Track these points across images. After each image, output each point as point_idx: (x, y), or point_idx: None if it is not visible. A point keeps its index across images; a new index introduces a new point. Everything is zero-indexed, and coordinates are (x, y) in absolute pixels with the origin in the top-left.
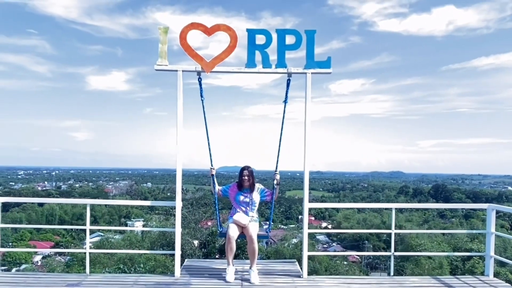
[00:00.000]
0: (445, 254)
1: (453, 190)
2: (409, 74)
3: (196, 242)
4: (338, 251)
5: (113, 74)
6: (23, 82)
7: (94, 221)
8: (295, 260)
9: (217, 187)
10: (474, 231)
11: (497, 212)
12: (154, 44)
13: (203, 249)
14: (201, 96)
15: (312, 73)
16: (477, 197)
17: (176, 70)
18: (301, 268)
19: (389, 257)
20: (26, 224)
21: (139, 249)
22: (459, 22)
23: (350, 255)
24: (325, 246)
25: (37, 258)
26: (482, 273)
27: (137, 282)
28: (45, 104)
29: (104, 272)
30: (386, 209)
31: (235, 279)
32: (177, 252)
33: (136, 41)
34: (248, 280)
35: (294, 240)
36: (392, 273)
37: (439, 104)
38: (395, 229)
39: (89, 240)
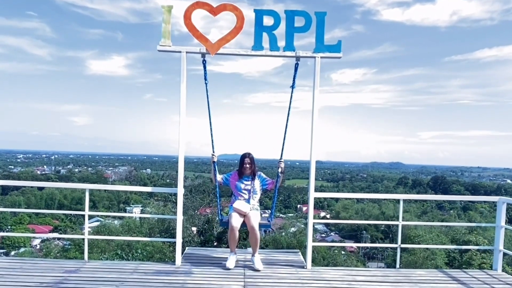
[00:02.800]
0: (452, 247)
1: (452, 182)
2: (411, 65)
3: (194, 229)
4: (336, 241)
5: (113, 59)
6: (23, 65)
7: (93, 206)
8: (298, 250)
9: (218, 176)
10: (483, 224)
11: (495, 204)
12: (154, 29)
13: (201, 236)
14: (205, 79)
15: (321, 57)
16: (476, 190)
17: (180, 51)
18: (304, 259)
19: (387, 247)
20: (25, 208)
21: (138, 235)
22: (463, 13)
23: (348, 244)
24: (323, 235)
25: (36, 242)
26: (490, 267)
27: (136, 270)
28: (44, 88)
29: (101, 258)
30: (393, 200)
31: (238, 267)
32: (178, 240)
33: (136, 25)
34: (251, 268)
35: (293, 229)
36: (398, 265)
37: (441, 95)
38: (401, 220)
39: (87, 226)
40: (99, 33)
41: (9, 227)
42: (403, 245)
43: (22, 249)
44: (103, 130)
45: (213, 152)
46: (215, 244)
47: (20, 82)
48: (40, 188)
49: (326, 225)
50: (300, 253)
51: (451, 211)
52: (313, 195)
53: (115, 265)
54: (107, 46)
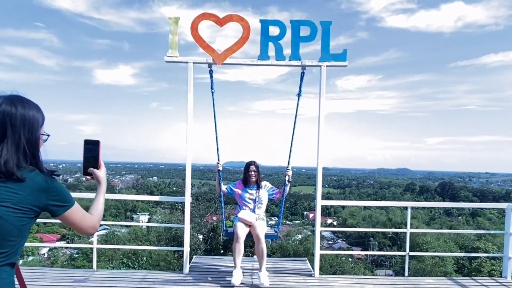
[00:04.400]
0: (461, 254)
1: (460, 188)
2: (416, 71)
3: (200, 237)
4: (344, 248)
5: (120, 68)
6: (31, 75)
7: None
8: (306, 258)
9: (223, 185)
10: (492, 232)
11: (504, 210)
12: (160, 38)
13: (207, 244)
14: (212, 88)
15: (327, 66)
16: (485, 196)
17: (187, 62)
18: (312, 267)
19: (395, 255)
20: None
21: (145, 243)
22: (468, 19)
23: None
24: (330, 242)
25: (44, 251)
26: (500, 274)
27: (145, 279)
28: (52, 97)
29: (108, 267)
30: (400, 206)
31: (245, 280)
32: (186, 249)
33: (143, 35)
34: (258, 283)
35: (299, 236)
36: (406, 273)
37: (447, 101)
38: (410, 228)
39: (96, 235)
40: (106, 43)
41: None
42: (412, 253)
43: (30, 258)
44: (110, 138)
45: (218, 160)
46: (221, 252)
47: (28, 92)
48: None
49: (333, 232)
50: (307, 261)
51: (459, 217)
52: (320, 203)
53: (124, 274)
54: (113, 56)
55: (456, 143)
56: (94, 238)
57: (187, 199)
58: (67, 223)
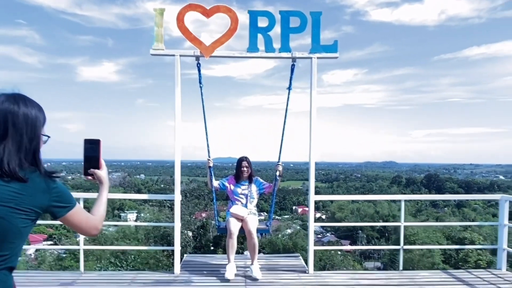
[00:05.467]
0: (455, 247)
1: (446, 180)
2: (401, 64)
3: (190, 234)
4: (333, 241)
5: (104, 65)
6: (13, 73)
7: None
8: (299, 254)
9: (215, 181)
10: (486, 223)
11: (489, 201)
12: (145, 34)
13: (197, 240)
14: (200, 82)
15: (318, 57)
16: (470, 187)
17: (174, 55)
18: (306, 263)
19: (389, 249)
20: None
21: (133, 242)
22: (450, 12)
23: (344, 245)
24: (319, 236)
25: (31, 251)
26: (487, 264)
27: (134, 280)
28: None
29: (96, 268)
30: (389, 200)
31: (238, 276)
32: (177, 248)
33: (126, 31)
34: (251, 276)
35: (288, 231)
36: (401, 267)
37: (432, 94)
38: (403, 221)
39: (83, 237)
40: (89, 39)
41: None
42: (406, 247)
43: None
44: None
45: (209, 157)
46: (211, 248)
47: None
48: None
49: (322, 226)
50: (300, 257)
51: (445, 208)
52: (313, 198)
53: (112, 276)
54: (97, 52)
55: (441, 135)
56: (81, 239)
57: (177, 197)
58: (69, 225)
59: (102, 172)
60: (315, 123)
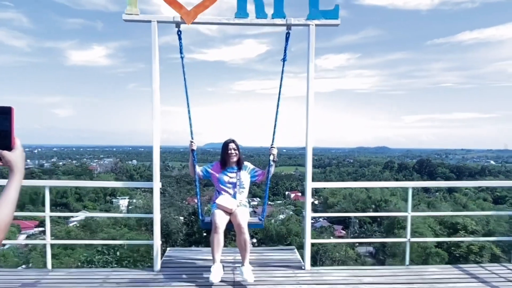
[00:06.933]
0: (468, 239)
1: (438, 165)
2: (395, 49)
3: (182, 219)
4: (325, 227)
5: (94, 49)
6: (1, 57)
7: (79, 199)
8: (294, 247)
9: (197, 168)
10: (501, 213)
11: (479, 186)
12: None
13: (188, 226)
14: (181, 52)
15: (316, 25)
16: (461, 172)
17: (150, 21)
18: (302, 258)
19: (375, 231)
20: None
21: (123, 229)
22: None
23: (336, 230)
24: (312, 221)
25: (22, 237)
26: (479, 249)
27: (107, 280)
28: (25, 80)
29: (82, 256)
30: (402, 188)
31: (225, 276)
32: (157, 242)
33: (116, 14)
34: (240, 281)
35: (281, 216)
36: (407, 262)
37: (424, 79)
38: (410, 211)
39: (49, 230)
40: (78, 22)
41: None
42: (413, 239)
43: (7, 246)
44: (87, 121)
45: (192, 138)
46: (204, 235)
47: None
48: None
49: (314, 210)
50: (296, 250)
51: (437, 193)
52: (310, 185)
53: (82, 274)
54: (87, 36)
55: (433, 120)
56: (47, 233)
57: (156, 185)
58: None
59: (13, 155)
60: (312, 104)
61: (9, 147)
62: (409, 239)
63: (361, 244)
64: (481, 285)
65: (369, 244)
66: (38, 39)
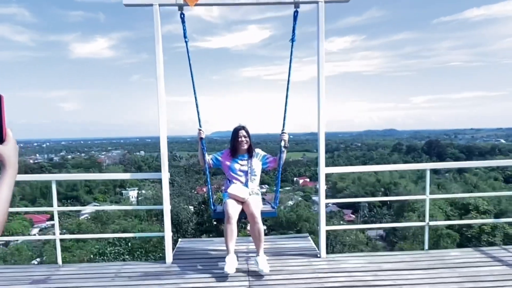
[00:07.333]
0: (488, 221)
1: (447, 146)
2: (400, 29)
3: (192, 208)
4: (334, 211)
5: (97, 41)
6: (6, 53)
7: (89, 191)
8: (307, 234)
9: (207, 156)
10: None
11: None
12: (137, 8)
13: (198, 216)
14: (185, 37)
15: (325, 1)
16: (471, 152)
17: (151, 5)
18: (317, 246)
19: (385, 214)
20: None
21: (134, 220)
22: None
23: (346, 214)
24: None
25: (35, 231)
26: (491, 228)
27: (119, 274)
28: (30, 75)
29: (94, 249)
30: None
31: (240, 266)
32: (168, 234)
33: (118, 5)
34: (255, 267)
35: (290, 202)
36: (426, 247)
37: (432, 58)
38: (428, 194)
39: (57, 225)
40: (80, 15)
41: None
42: (432, 223)
43: (20, 240)
44: (93, 114)
45: (200, 126)
46: (214, 224)
47: (6, 70)
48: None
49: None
50: (310, 238)
51: (447, 174)
52: (323, 170)
53: (94, 269)
54: (89, 28)
55: (441, 100)
56: (56, 228)
57: (165, 176)
58: None
59: (5, 148)
60: (323, 87)
61: (0, 138)
62: (427, 223)
63: (370, 228)
64: (505, 268)
65: (378, 228)
66: (42, 33)
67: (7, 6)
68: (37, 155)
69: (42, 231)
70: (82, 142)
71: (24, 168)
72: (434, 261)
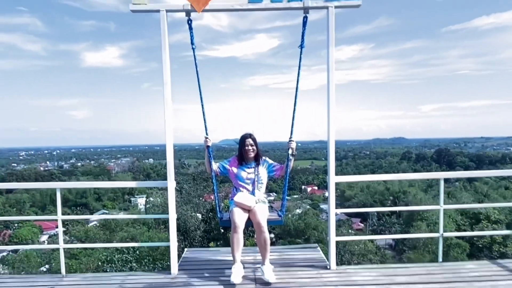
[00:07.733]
0: (503, 232)
1: (457, 154)
2: (408, 38)
3: (199, 216)
4: (343, 220)
5: (107, 50)
6: (18, 61)
7: (98, 199)
8: (317, 245)
9: (214, 164)
10: None
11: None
12: (147, 17)
13: (206, 224)
14: (192, 43)
15: (336, 6)
16: (481, 160)
17: (158, 10)
18: (326, 257)
19: (394, 223)
20: (30, 204)
21: (143, 227)
22: None
23: (355, 223)
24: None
25: (44, 238)
26: (503, 238)
27: (123, 285)
28: (41, 83)
29: (101, 257)
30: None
31: (247, 271)
32: (173, 244)
33: (128, 14)
34: (262, 279)
35: (298, 211)
36: (440, 259)
37: (440, 67)
38: (442, 204)
39: (62, 234)
40: (91, 24)
41: (16, 224)
42: (446, 234)
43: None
44: (103, 122)
45: (206, 134)
46: (221, 231)
47: (17, 79)
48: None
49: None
50: (319, 248)
51: (457, 183)
52: (333, 179)
53: (97, 279)
54: (100, 37)
55: (450, 109)
56: (60, 237)
57: (171, 184)
58: None
59: None
60: (333, 95)
61: None
62: (442, 234)
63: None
64: None
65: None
66: (53, 43)
67: (20, 16)
68: (48, 162)
69: (52, 237)
70: (91, 149)
71: (34, 176)
72: (449, 274)
